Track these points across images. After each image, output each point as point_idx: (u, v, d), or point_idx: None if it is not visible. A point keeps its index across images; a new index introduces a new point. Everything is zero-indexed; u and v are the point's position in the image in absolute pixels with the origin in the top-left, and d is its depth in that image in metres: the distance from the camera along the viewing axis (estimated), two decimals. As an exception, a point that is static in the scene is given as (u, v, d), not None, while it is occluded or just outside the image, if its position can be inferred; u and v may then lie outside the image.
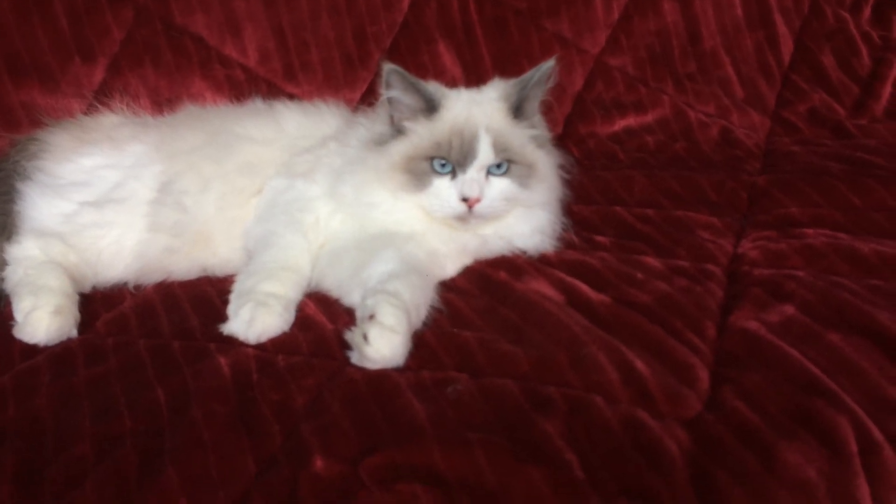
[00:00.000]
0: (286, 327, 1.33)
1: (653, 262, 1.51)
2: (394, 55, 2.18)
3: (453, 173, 1.44)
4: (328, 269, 1.46)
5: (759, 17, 2.44)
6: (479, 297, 1.40)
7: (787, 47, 2.46)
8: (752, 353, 1.22)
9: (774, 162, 2.10)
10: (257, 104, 1.76)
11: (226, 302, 1.39)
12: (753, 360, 1.20)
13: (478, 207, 1.42)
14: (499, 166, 1.45)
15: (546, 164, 1.54)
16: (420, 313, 1.29)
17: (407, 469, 1.00)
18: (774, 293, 1.36)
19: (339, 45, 2.13)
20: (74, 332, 1.40)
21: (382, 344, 1.19)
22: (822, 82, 2.41)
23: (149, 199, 1.57)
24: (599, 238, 1.64)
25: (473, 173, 1.43)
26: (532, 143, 1.51)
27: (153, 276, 1.58)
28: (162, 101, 1.94)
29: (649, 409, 1.10)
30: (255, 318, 1.30)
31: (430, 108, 1.47)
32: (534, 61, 2.27)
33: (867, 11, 2.51)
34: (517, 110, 1.49)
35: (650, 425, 1.06)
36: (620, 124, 2.32)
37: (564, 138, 2.29)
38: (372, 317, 1.21)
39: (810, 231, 1.58)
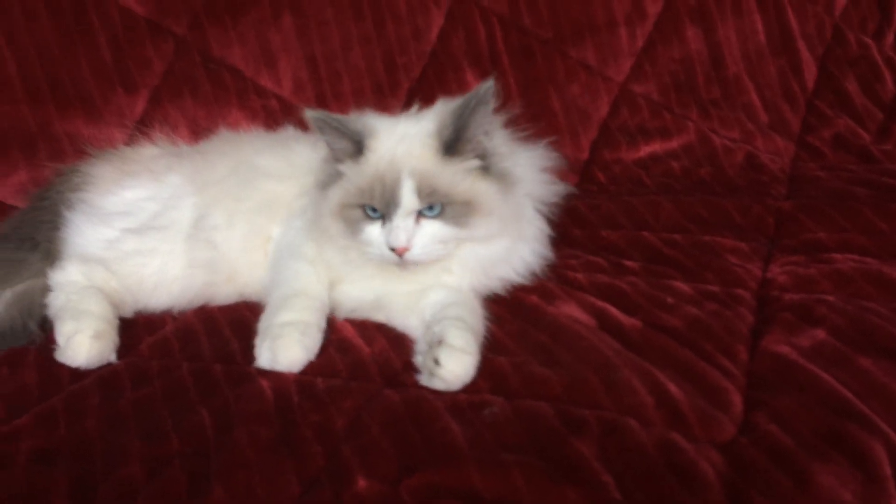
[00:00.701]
0: (310, 355, 1.35)
1: (682, 286, 1.53)
2: (423, 84, 2.23)
3: (384, 219, 1.39)
4: (365, 304, 1.49)
5: (782, 43, 2.46)
6: (512, 322, 1.43)
7: (810, 73, 2.48)
8: (784, 377, 1.24)
9: (800, 187, 2.11)
10: (287, 132, 1.80)
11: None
12: (786, 383, 1.22)
13: (408, 255, 1.37)
14: (431, 208, 1.37)
15: (491, 195, 1.40)
16: (480, 334, 1.33)
17: (446, 489, 1.03)
18: (805, 318, 1.38)
19: (369, 75, 2.19)
20: (113, 357, 1.44)
21: (455, 365, 1.24)
22: (846, 108, 2.42)
23: (187, 230, 1.61)
24: (628, 262, 1.66)
25: (398, 221, 1.36)
26: (470, 176, 1.39)
27: (196, 303, 1.62)
28: (200, 132, 1.99)
29: (683, 432, 1.12)
30: (276, 353, 1.32)
31: (357, 150, 1.41)
32: (559, 87, 2.35)
33: (890, 37, 2.53)
34: (450, 146, 1.38)
35: (685, 448, 1.08)
36: (646, 150, 2.35)
37: (590, 164, 2.33)
38: (441, 342, 1.26)
39: (838, 256, 1.60)
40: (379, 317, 1.49)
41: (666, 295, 1.49)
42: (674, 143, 2.35)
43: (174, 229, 1.62)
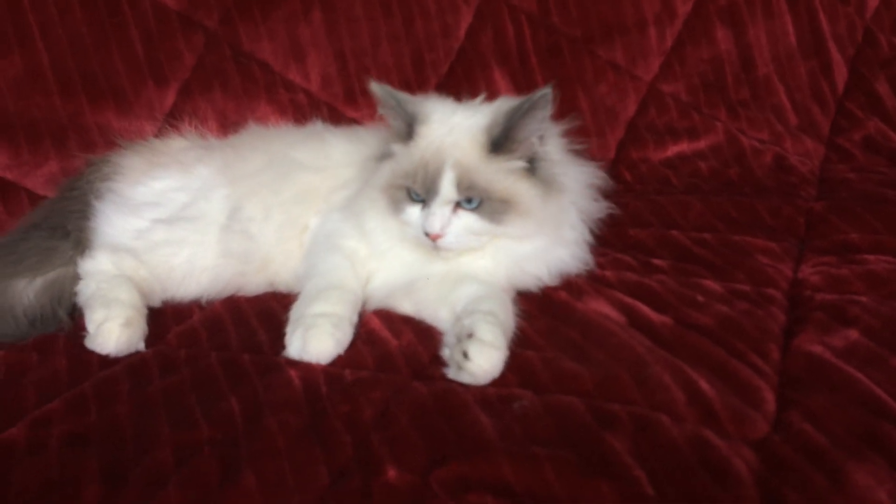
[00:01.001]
0: (341, 348, 1.34)
1: (712, 285, 1.52)
2: (450, 80, 2.23)
3: (424, 203, 1.42)
4: (399, 290, 1.49)
5: (813, 45, 2.44)
6: (541, 318, 1.42)
7: (840, 75, 2.45)
8: (818, 376, 1.22)
9: (830, 189, 2.09)
10: (315, 127, 1.82)
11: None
12: (819, 383, 1.21)
13: (440, 242, 1.40)
14: (469, 200, 1.40)
15: (531, 197, 1.42)
16: (510, 330, 1.32)
17: (477, 481, 1.02)
18: (838, 318, 1.36)
19: (398, 71, 2.19)
20: (142, 345, 1.45)
21: (483, 360, 1.23)
22: (876, 110, 2.39)
23: (218, 221, 1.62)
24: (656, 261, 1.65)
25: (435, 209, 1.39)
26: (513, 176, 1.41)
27: (225, 293, 1.63)
28: (228, 125, 2.00)
29: (715, 429, 1.11)
30: (307, 343, 1.32)
31: (409, 133, 1.45)
32: (587, 86, 2.34)
33: (922, 39, 2.51)
34: (498, 144, 1.40)
35: (717, 445, 1.07)
36: (673, 150, 2.33)
37: (617, 163, 2.31)
38: (471, 335, 1.25)
39: (871, 257, 1.58)
40: (408, 308, 1.49)
41: (696, 293, 1.47)
42: (702, 144, 2.34)
43: (204, 220, 1.63)
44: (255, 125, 1.86)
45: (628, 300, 1.45)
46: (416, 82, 2.19)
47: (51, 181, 1.93)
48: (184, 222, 1.63)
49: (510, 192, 1.41)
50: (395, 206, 1.46)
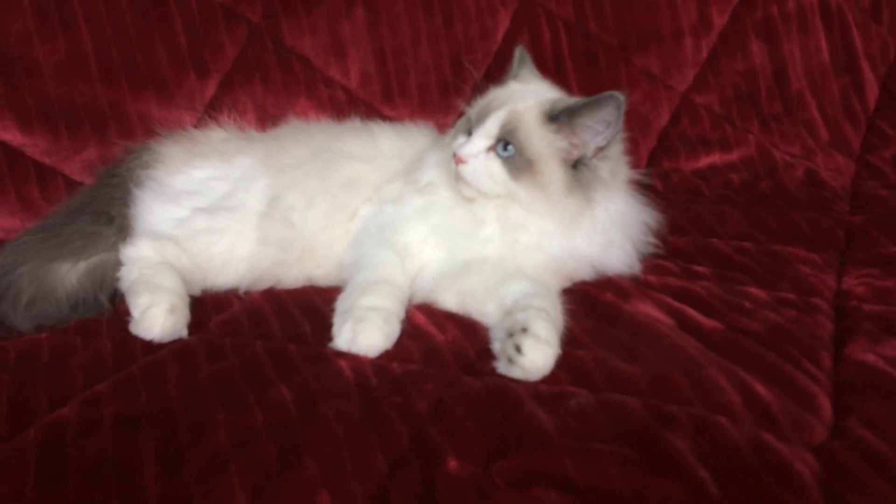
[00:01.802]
0: (389, 343, 1.34)
1: (757, 292, 1.52)
2: (487, 83, 2.22)
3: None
4: (447, 282, 1.49)
5: (846, 62, 2.45)
6: (587, 318, 1.42)
7: (872, 93, 2.47)
8: (872, 384, 1.22)
9: (863, 204, 2.10)
10: (355, 123, 1.82)
11: (333, 310, 1.42)
12: (874, 391, 1.20)
13: (461, 168, 1.47)
14: (506, 148, 1.47)
15: (555, 177, 1.46)
16: (560, 328, 1.32)
17: (539, 475, 1.02)
18: (886, 328, 1.36)
19: (436, 71, 2.19)
20: (185, 333, 1.45)
21: (537, 355, 1.23)
22: (907, 128, 2.41)
23: (258, 211, 1.63)
24: (698, 268, 1.65)
25: (475, 138, 1.48)
26: (549, 150, 1.47)
27: (262, 284, 1.64)
28: (267, 118, 2.01)
29: (774, 432, 1.10)
30: (358, 335, 1.32)
31: (528, 75, 1.64)
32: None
33: (954, 60, 2.52)
34: (553, 117, 1.47)
35: (778, 448, 1.06)
36: (705, 161, 2.34)
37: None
38: (525, 330, 1.25)
39: (914, 270, 1.58)
40: (452, 302, 1.48)
41: (743, 300, 1.47)
42: (734, 156, 2.34)
43: (243, 210, 1.63)
44: (296, 119, 1.87)
45: (676, 304, 1.45)
46: (453, 83, 2.20)
47: (88, 168, 1.93)
48: (224, 211, 1.63)
49: (539, 159, 1.46)
50: (454, 136, 1.56)
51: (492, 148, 1.47)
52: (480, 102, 1.57)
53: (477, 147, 1.47)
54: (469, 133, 1.51)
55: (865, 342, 1.33)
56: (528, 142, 1.46)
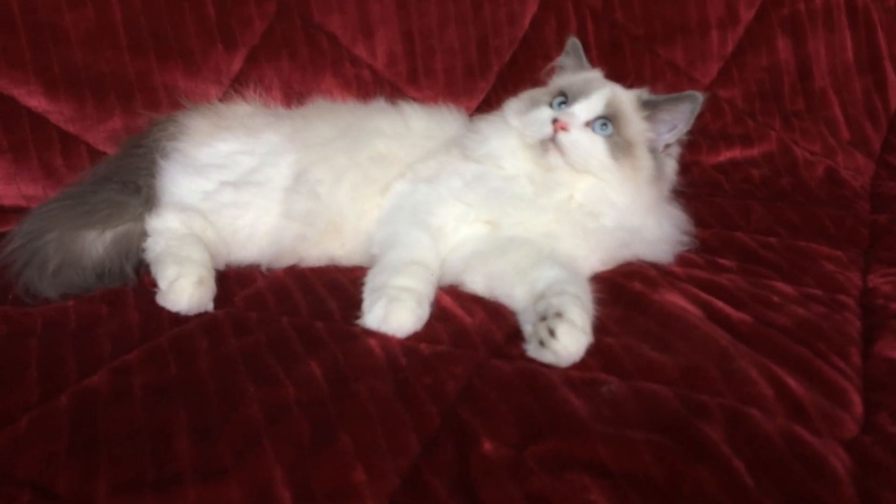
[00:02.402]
0: (419, 325, 1.33)
1: (784, 287, 1.51)
2: (512, 68, 2.23)
3: (564, 104, 1.53)
4: (476, 264, 1.48)
5: (869, 61, 2.44)
6: (615, 307, 1.42)
7: (894, 94, 2.45)
8: (902, 382, 1.22)
9: (884, 204, 2.09)
10: (382, 104, 1.82)
11: (359, 289, 1.42)
12: (904, 389, 1.20)
13: (561, 136, 1.47)
14: (604, 125, 1.50)
15: (646, 164, 1.53)
16: (592, 317, 1.31)
17: (573, 460, 1.02)
18: (915, 327, 1.36)
19: (462, 54, 2.19)
20: (211, 306, 1.44)
21: (570, 341, 1.22)
22: (928, 130, 2.41)
23: (284, 186, 1.62)
24: (722, 261, 1.65)
25: (577, 109, 1.50)
26: (641, 137, 1.53)
27: (284, 260, 1.63)
28: (292, 95, 2.00)
29: (806, 426, 1.10)
30: (390, 314, 1.31)
31: (579, 66, 1.65)
32: (644, 85, 2.32)
33: (977, 63, 2.51)
34: (645, 106, 1.55)
35: (811, 442, 1.06)
36: (726, 155, 2.33)
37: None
38: (559, 314, 1.24)
39: (939, 271, 1.58)
40: (479, 285, 1.48)
41: (770, 294, 1.47)
42: (755, 151, 2.34)
43: (269, 186, 1.63)
44: (322, 99, 1.86)
45: (704, 296, 1.45)
46: (478, 66, 2.20)
47: (112, 137, 1.92)
48: (251, 186, 1.63)
49: (636, 143, 1.52)
50: (531, 107, 1.55)
51: (588, 124, 1.50)
52: (572, 79, 1.60)
53: (579, 118, 1.49)
54: (562, 105, 1.52)
55: (894, 340, 1.33)
56: (629, 125, 1.51)
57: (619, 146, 1.50)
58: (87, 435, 1.05)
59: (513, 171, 1.54)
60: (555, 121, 1.47)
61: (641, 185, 1.52)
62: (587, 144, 1.48)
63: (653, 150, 1.55)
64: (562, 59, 1.67)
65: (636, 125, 1.53)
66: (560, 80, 1.63)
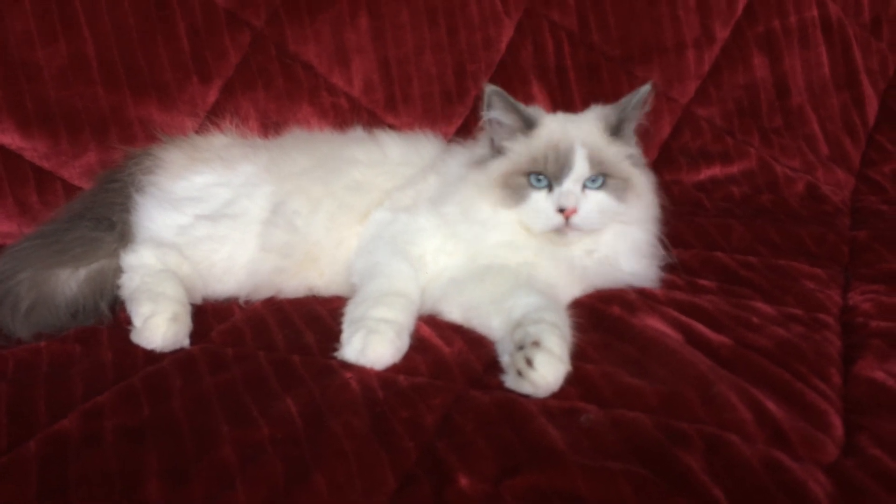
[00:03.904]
0: (398, 357, 1.32)
1: (764, 307, 1.51)
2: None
3: (549, 187, 1.47)
4: (452, 293, 1.47)
5: (846, 77, 2.46)
6: (593, 332, 1.41)
7: (872, 108, 2.48)
8: (882, 402, 1.21)
9: (864, 219, 2.10)
10: (359, 132, 1.81)
11: (337, 320, 1.41)
12: (884, 410, 1.19)
13: (574, 219, 1.45)
14: (594, 180, 1.48)
15: (642, 182, 1.56)
16: (570, 344, 1.29)
17: (551, 493, 1.00)
18: (895, 345, 1.36)
19: (439, 81, 2.19)
20: (187, 342, 1.43)
21: (548, 371, 1.20)
22: (907, 144, 2.42)
23: (260, 218, 1.61)
24: (703, 282, 1.64)
25: (569, 185, 1.46)
26: (627, 160, 1.54)
27: (263, 293, 1.62)
28: (269, 125, 1.99)
29: (787, 451, 1.09)
30: (368, 346, 1.29)
31: (528, 125, 1.51)
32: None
33: (952, 77, 2.53)
34: (614, 129, 1.53)
35: (791, 467, 1.05)
36: (706, 173, 2.34)
37: (649, 184, 2.31)
38: (537, 343, 1.22)
39: (919, 287, 1.58)
40: (456, 315, 1.47)
41: (750, 315, 1.46)
42: (734, 169, 2.35)
43: (246, 218, 1.62)
44: (299, 129, 1.86)
45: (684, 318, 1.44)
46: (456, 92, 2.20)
47: (87, 173, 1.91)
48: (227, 219, 1.61)
49: (629, 173, 1.52)
50: (515, 195, 1.48)
51: (583, 189, 1.47)
52: (528, 145, 1.50)
53: (577, 192, 1.46)
54: (542, 187, 1.47)
55: (874, 359, 1.32)
56: (616, 165, 1.50)
57: (618, 187, 1.50)
58: (56, 481, 1.03)
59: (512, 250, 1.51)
60: (561, 210, 1.44)
61: (648, 202, 1.56)
62: (598, 209, 1.47)
63: (638, 165, 1.57)
64: (490, 114, 1.51)
65: (616, 155, 1.52)
66: (513, 145, 1.52)
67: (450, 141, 1.78)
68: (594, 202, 1.47)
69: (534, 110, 1.56)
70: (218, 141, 1.79)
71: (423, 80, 2.17)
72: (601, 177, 1.48)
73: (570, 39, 2.32)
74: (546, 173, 1.47)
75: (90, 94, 1.92)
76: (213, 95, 2.02)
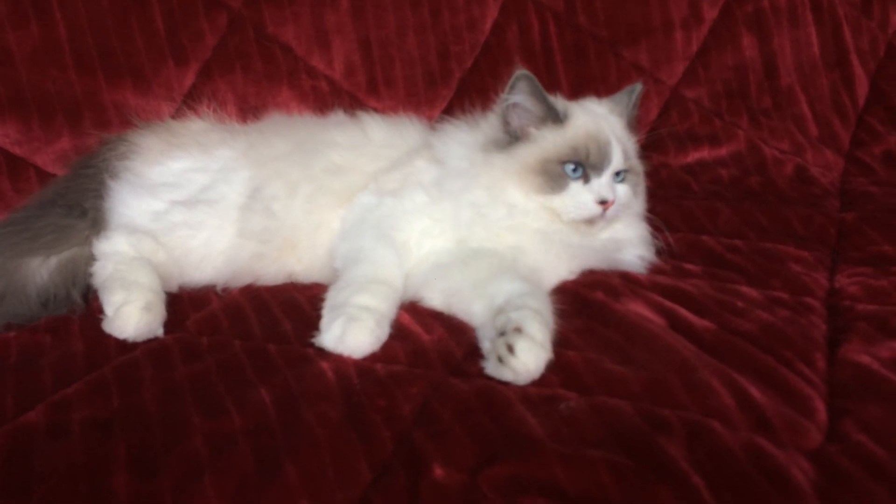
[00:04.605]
0: (377, 346, 1.29)
1: (749, 291, 1.48)
2: (474, 74, 2.19)
3: (585, 178, 1.48)
4: (434, 279, 1.44)
5: (836, 57, 2.43)
6: (576, 318, 1.38)
7: (862, 89, 2.45)
8: (867, 387, 1.19)
9: (853, 201, 2.08)
10: (340, 116, 1.78)
11: (316, 308, 1.38)
12: (869, 394, 1.17)
13: (610, 210, 1.47)
14: (618, 173, 1.51)
15: (643, 175, 1.63)
16: (551, 331, 1.27)
17: (529, 482, 0.98)
18: (882, 329, 1.33)
19: (422, 62, 2.15)
20: (161, 331, 1.40)
21: (530, 357, 1.18)
22: (896, 125, 2.39)
23: (238, 203, 1.58)
24: (688, 266, 1.62)
25: (608, 177, 1.49)
26: (636, 154, 1.60)
27: (241, 280, 1.59)
28: (248, 109, 1.95)
29: (770, 437, 1.07)
30: (347, 334, 1.27)
31: (556, 116, 1.49)
32: (610, 88, 2.30)
33: (943, 57, 2.50)
34: (630, 123, 1.61)
35: (773, 453, 1.03)
36: (694, 156, 2.31)
37: (637, 167, 2.29)
38: (519, 329, 1.20)
39: (906, 269, 1.56)
40: (437, 301, 1.44)
41: (735, 299, 1.44)
42: (723, 151, 2.32)
43: (223, 203, 1.58)
44: (278, 113, 1.83)
45: (668, 304, 1.41)
46: (440, 74, 2.16)
47: (61, 159, 1.87)
48: (203, 205, 1.58)
49: (640, 167, 1.61)
50: (552, 184, 1.47)
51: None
52: (567, 137, 1.48)
53: (613, 185, 1.50)
54: (576, 176, 1.47)
55: (860, 343, 1.30)
56: (633, 160, 1.58)
57: (633, 181, 1.56)
58: (21, 476, 1.00)
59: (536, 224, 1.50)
60: (602, 202, 1.46)
61: (646, 194, 1.64)
62: (623, 201, 1.52)
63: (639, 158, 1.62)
64: (514, 98, 1.48)
65: (633, 149, 1.59)
66: (543, 133, 1.49)
67: (436, 121, 1.75)
68: (623, 193, 1.52)
69: (559, 100, 1.55)
70: (195, 126, 1.75)
71: (406, 62, 2.12)
72: (624, 170, 1.52)
73: (556, 20, 2.28)
74: (585, 164, 1.47)
75: (63, 79, 1.87)
76: (189, 79, 1.97)
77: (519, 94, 1.47)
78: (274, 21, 2.04)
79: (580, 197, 1.46)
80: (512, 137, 1.50)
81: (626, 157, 1.52)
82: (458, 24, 2.18)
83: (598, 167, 1.48)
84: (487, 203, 1.48)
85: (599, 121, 1.53)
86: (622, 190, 1.52)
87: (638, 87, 1.63)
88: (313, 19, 2.06)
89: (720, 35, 2.37)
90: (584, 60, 2.29)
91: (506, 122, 1.50)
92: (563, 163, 1.47)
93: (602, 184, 1.47)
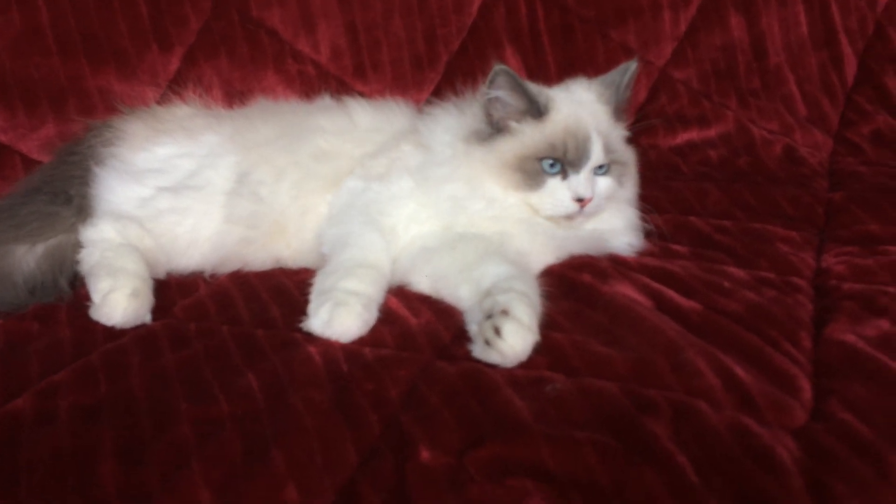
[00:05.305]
0: (365, 330, 1.29)
1: (736, 272, 1.49)
2: (461, 57, 2.18)
3: (563, 173, 1.46)
4: (421, 263, 1.44)
5: (825, 36, 2.42)
6: (564, 300, 1.38)
7: (850, 68, 2.44)
8: (853, 365, 1.19)
9: (842, 181, 2.08)
10: (326, 101, 1.77)
11: (304, 293, 1.38)
12: (855, 372, 1.18)
13: (588, 206, 1.45)
14: (601, 166, 1.48)
15: (632, 162, 1.59)
16: (539, 314, 1.27)
17: (515, 464, 0.98)
18: (868, 308, 1.34)
19: (409, 46, 2.13)
20: (149, 318, 1.39)
21: (517, 340, 1.18)
22: (885, 104, 2.39)
23: (225, 189, 1.57)
24: (676, 247, 1.62)
25: (586, 174, 1.46)
26: (623, 142, 1.56)
27: (229, 266, 1.58)
28: (234, 94, 1.93)
29: (755, 416, 1.08)
30: (334, 319, 1.27)
31: (537, 110, 1.47)
32: (598, 69, 2.28)
33: (932, 36, 2.50)
34: (616, 111, 1.54)
35: (759, 433, 1.04)
36: (683, 137, 2.31)
37: (626, 149, 2.28)
38: (505, 312, 1.20)
39: (893, 248, 1.56)
40: (424, 284, 1.44)
41: (722, 280, 1.44)
42: (712, 132, 2.31)
43: (210, 189, 1.58)
44: (264, 98, 1.82)
45: (654, 285, 1.42)
46: (427, 57, 2.14)
47: (46, 145, 1.86)
48: (189, 191, 1.57)
49: (626, 156, 1.56)
50: (530, 181, 1.46)
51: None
52: (547, 139, 1.46)
53: (592, 181, 1.47)
54: (555, 173, 1.46)
55: (846, 322, 1.30)
56: (618, 151, 1.53)
57: (619, 171, 1.52)
58: (8, 463, 1.00)
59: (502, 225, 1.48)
60: (579, 199, 1.45)
61: (636, 180, 1.61)
62: (605, 194, 1.50)
63: (628, 144, 1.58)
64: (494, 93, 1.46)
65: (619, 140, 1.54)
66: (522, 128, 1.47)
67: (424, 104, 1.74)
68: (602, 188, 1.49)
69: (539, 91, 1.50)
70: (181, 111, 1.74)
71: (393, 45, 2.11)
72: (607, 163, 1.50)
73: (543, 1, 2.27)
74: (563, 160, 1.45)
75: (46, 65, 1.85)
76: (174, 64, 1.95)
77: (498, 90, 1.45)
78: (259, 4, 2.02)
79: (557, 194, 1.45)
80: (494, 129, 1.48)
81: (608, 150, 1.48)
82: (444, 7, 2.16)
83: (576, 164, 1.45)
84: (466, 196, 1.48)
85: (581, 113, 1.49)
86: (604, 183, 1.50)
87: (633, 66, 1.55)
88: (298, 3, 2.04)
89: (708, 15, 2.36)
90: (572, 42, 2.28)
91: (488, 114, 1.49)
92: (541, 159, 1.45)
93: (580, 181, 1.45)
